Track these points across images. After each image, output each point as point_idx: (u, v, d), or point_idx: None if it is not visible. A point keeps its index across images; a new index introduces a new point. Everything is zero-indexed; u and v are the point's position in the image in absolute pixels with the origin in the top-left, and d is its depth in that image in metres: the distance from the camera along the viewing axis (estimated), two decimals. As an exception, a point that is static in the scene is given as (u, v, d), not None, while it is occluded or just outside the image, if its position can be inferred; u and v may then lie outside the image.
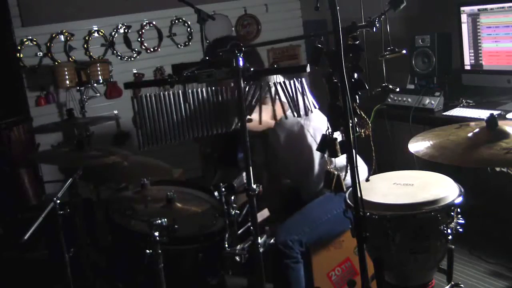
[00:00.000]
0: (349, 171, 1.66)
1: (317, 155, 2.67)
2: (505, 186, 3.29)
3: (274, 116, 2.25)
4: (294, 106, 1.91)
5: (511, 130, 1.95)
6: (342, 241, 2.61)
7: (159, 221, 2.01)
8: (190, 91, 1.87)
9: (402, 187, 2.13)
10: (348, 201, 2.06)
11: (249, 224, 1.90)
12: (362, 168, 2.60)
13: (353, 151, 1.64)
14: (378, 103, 3.52)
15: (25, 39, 4.44)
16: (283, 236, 2.43)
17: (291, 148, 2.72)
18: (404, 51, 2.09)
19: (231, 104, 1.92)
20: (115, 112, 4.64)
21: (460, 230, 2.04)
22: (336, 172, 1.90)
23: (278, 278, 2.47)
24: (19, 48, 4.41)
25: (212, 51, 2.41)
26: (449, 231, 1.98)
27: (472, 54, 3.37)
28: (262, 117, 1.91)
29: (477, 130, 2.01)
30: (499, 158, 1.83)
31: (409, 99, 3.44)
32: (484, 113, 2.71)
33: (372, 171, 2.18)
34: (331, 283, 2.62)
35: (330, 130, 1.77)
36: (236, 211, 2.19)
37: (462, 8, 3.35)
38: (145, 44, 4.83)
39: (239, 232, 2.19)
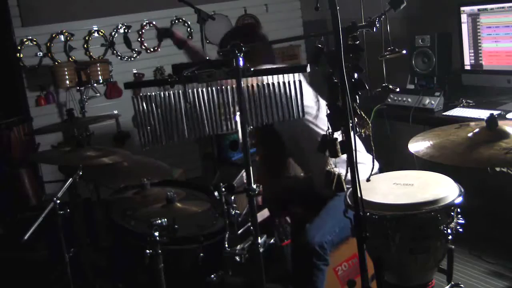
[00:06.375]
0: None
1: None
2: (505, 186, 3.29)
3: None
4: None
5: (511, 130, 1.95)
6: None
7: (159, 221, 2.01)
8: (190, 91, 1.87)
9: (402, 187, 2.12)
10: (348, 201, 2.06)
11: (249, 224, 1.90)
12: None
13: (353, 151, 1.64)
14: (378, 103, 3.52)
15: (25, 39, 4.43)
16: (318, 237, 2.37)
17: (299, 146, 2.69)
18: (404, 51, 2.09)
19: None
20: (115, 112, 4.64)
21: (460, 230, 2.04)
22: (336, 172, 1.90)
23: (302, 279, 2.41)
24: (19, 48, 4.40)
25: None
26: (449, 231, 1.98)
27: (472, 54, 3.37)
28: None
29: (477, 130, 2.00)
30: (499, 158, 1.83)
31: (409, 99, 3.44)
32: (484, 113, 2.71)
33: (372, 171, 2.17)
34: (337, 278, 2.60)
35: (330, 130, 1.76)
36: (236, 211, 2.19)
37: (462, 8, 3.35)
38: (145, 44, 4.83)
39: (239, 232, 2.18)
